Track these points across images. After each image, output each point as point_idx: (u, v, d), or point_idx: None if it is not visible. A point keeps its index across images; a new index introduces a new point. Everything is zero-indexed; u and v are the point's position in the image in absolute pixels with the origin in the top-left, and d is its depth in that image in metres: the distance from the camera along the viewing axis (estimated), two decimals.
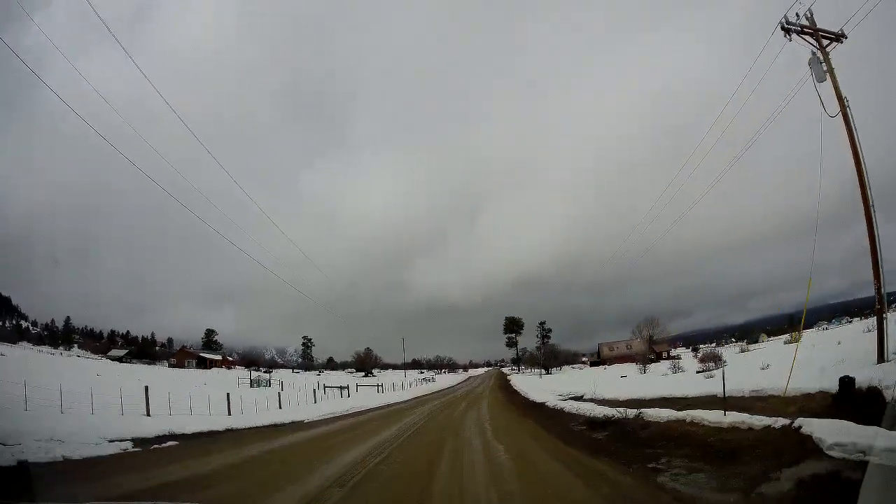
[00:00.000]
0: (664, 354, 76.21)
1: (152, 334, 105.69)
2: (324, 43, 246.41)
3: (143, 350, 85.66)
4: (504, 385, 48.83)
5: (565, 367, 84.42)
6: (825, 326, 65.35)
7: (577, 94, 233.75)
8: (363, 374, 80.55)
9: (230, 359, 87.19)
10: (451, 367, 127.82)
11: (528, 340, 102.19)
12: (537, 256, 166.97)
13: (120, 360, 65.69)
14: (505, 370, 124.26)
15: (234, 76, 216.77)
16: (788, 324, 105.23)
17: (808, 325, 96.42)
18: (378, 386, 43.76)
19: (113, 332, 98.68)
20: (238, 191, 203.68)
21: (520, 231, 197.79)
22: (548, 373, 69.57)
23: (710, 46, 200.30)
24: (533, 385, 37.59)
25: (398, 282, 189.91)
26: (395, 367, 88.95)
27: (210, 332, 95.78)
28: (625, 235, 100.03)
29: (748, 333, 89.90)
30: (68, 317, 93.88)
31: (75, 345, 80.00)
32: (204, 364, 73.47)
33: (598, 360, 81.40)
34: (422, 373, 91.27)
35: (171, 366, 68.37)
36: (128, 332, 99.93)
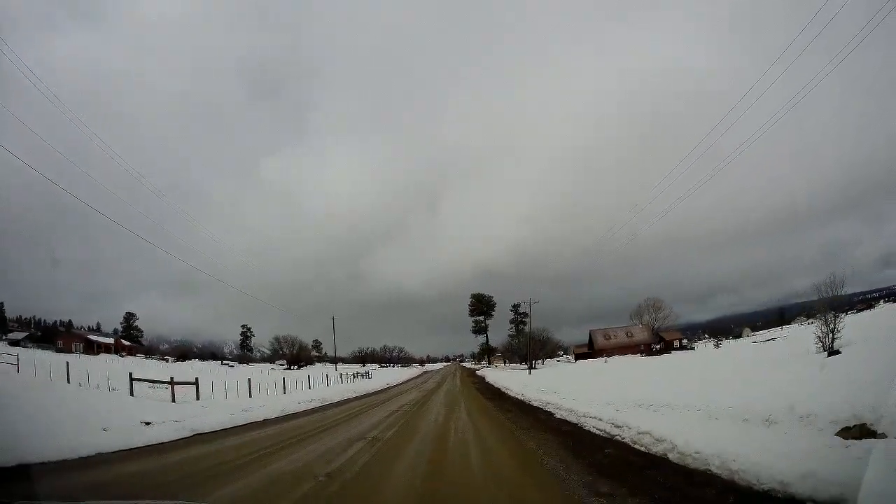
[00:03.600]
0: (675, 343, 60.84)
1: (98, 324, 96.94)
2: (287, 24, 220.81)
3: (45, 334, 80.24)
4: (494, 392, 24.94)
5: (548, 361, 67.52)
6: (808, 322, 61.70)
7: (547, 84, 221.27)
8: (286, 367, 67.54)
9: (126, 343, 75.13)
10: (405, 360, 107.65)
11: (495, 335, 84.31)
12: (499, 248, 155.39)
13: (18, 343, 61.47)
14: (467, 365, 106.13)
15: (195, 54, 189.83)
16: (779, 317, 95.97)
17: (788, 322, 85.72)
18: (187, 382, 17.74)
19: (57, 321, 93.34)
20: (195, 174, 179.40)
21: (482, 222, 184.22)
22: (533, 367, 50.99)
23: (685, 40, 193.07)
24: (554, 391, 17.61)
25: (354, 272, 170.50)
26: (344, 360, 75.14)
27: (130, 316, 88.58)
28: (592, 230, 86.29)
29: (729, 330, 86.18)
30: (1, 303, 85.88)
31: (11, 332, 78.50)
32: (91, 348, 65.54)
33: (591, 350, 65.29)
34: (363, 366, 73.57)
35: (57, 350, 62.13)
36: (70, 321, 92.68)
